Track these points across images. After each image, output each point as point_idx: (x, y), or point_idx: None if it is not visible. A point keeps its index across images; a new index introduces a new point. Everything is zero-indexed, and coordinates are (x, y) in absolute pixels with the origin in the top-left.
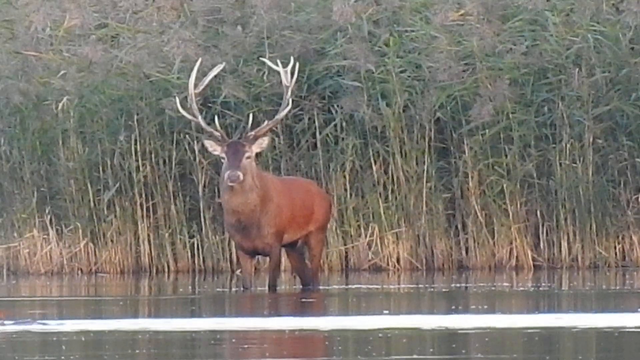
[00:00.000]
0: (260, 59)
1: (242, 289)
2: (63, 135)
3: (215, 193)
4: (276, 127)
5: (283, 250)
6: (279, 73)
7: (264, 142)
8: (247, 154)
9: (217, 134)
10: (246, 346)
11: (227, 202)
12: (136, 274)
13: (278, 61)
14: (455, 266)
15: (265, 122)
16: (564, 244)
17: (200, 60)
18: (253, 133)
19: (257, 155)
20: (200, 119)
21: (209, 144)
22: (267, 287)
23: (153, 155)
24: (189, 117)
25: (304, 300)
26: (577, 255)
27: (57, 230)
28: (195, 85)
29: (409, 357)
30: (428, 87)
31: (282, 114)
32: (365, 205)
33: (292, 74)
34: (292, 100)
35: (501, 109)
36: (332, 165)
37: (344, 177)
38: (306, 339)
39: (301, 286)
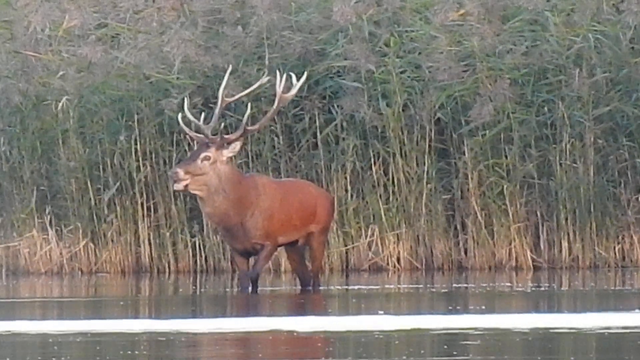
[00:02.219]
0: (289, 73)
1: (239, 289)
2: (63, 135)
3: None
4: (275, 127)
5: (282, 251)
6: (276, 76)
7: (237, 146)
8: (203, 154)
9: (200, 136)
10: (245, 346)
11: (200, 206)
12: (136, 274)
13: (292, 75)
14: (455, 266)
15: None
16: (564, 244)
17: (230, 67)
18: (220, 136)
19: (258, 155)
20: (185, 127)
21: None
22: (241, 286)
23: (153, 155)
24: (191, 118)
25: (304, 300)
26: (577, 255)
27: (57, 230)
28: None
29: (409, 358)
30: (428, 87)
31: (257, 124)
32: (365, 206)
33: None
34: (292, 101)
35: (501, 109)
36: (333, 165)
37: (345, 178)
38: (306, 340)
39: (300, 287)
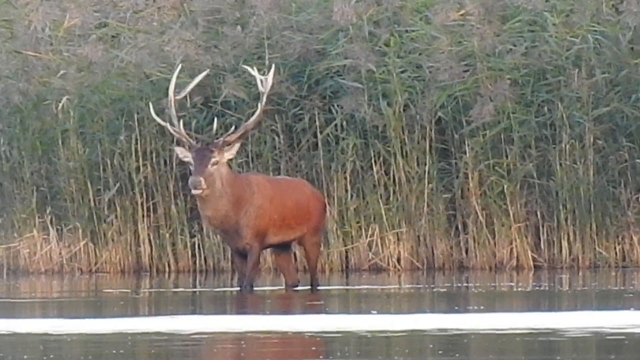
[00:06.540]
0: (242, 66)
1: (237, 287)
2: (63, 135)
3: None
4: (276, 127)
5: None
6: (278, 73)
7: (234, 148)
8: (213, 160)
9: (184, 140)
10: (244, 346)
11: (200, 210)
12: (136, 274)
13: (255, 68)
14: (456, 266)
15: (233, 128)
16: (564, 244)
17: (180, 66)
18: (222, 139)
19: (258, 155)
20: (169, 127)
21: (180, 151)
22: (240, 286)
23: (154, 155)
24: (162, 123)
25: (303, 300)
26: (577, 255)
27: (57, 230)
28: (177, 92)
29: (409, 358)
30: (429, 87)
31: (251, 120)
32: (366, 205)
33: (267, 81)
34: (292, 100)
35: (502, 109)
36: (333, 165)
37: (345, 177)
38: (305, 340)
39: (285, 286)
